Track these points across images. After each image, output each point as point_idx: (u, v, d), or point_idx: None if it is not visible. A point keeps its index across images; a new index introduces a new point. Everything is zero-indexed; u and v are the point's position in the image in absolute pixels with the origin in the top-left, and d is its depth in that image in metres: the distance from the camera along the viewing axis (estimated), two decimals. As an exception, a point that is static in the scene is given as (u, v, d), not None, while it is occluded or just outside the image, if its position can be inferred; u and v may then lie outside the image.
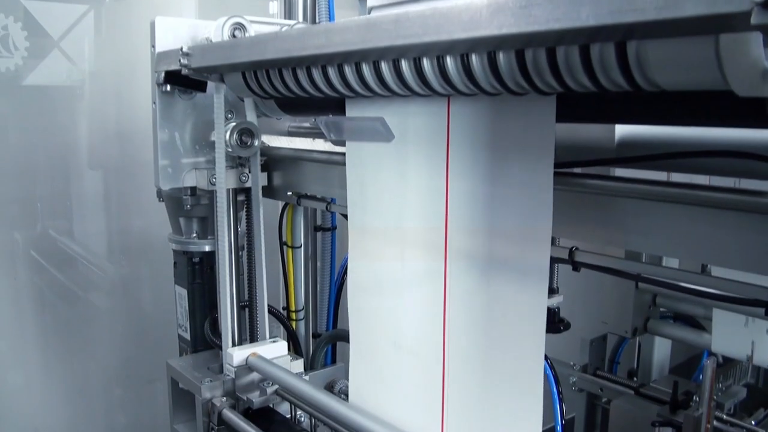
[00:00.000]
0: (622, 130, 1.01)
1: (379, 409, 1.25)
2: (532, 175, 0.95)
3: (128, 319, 2.89)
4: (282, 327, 1.72)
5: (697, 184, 0.88)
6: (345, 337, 1.31)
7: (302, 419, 1.46)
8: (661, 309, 2.40)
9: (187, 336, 1.65)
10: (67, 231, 2.79)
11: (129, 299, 2.89)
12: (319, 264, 1.84)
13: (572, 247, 1.04)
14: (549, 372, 1.16)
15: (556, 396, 1.48)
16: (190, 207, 1.56)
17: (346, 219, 1.30)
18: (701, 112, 0.81)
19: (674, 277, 1.06)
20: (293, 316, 1.82)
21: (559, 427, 1.49)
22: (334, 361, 1.87)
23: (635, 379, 2.50)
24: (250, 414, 1.43)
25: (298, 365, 1.50)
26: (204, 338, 1.62)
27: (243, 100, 1.48)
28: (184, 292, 1.65)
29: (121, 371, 2.96)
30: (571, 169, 1.00)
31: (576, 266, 1.05)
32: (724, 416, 2.14)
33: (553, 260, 1.00)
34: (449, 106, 1.03)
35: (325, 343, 1.70)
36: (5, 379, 2.69)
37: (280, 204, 1.76)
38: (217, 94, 1.40)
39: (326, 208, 1.56)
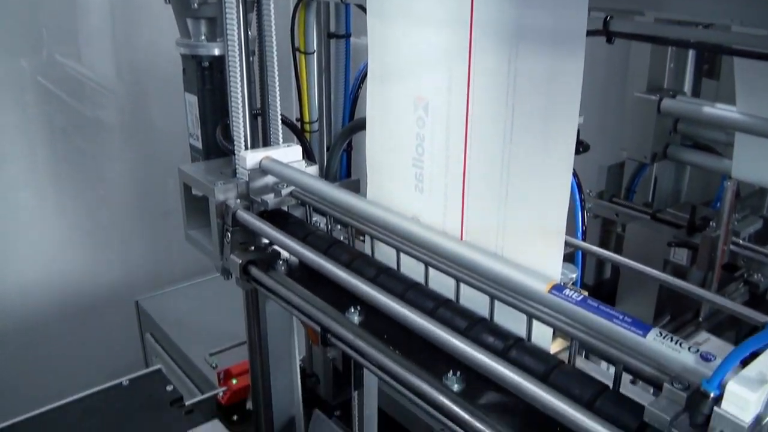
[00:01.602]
0: None
1: (399, 209, 1.22)
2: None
3: (140, 140, 2.87)
4: (296, 138, 1.68)
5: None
6: (362, 126, 1.26)
7: (318, 224, 1.44)
8: (682, 135, 2.36)
9: (199, 145, 1.62)
10: (73, 54, 2.72)
11: (139, 118, 2.85)
12: (333, 74, 1.77)
13: (607, 17, 0.98)
14: (572, 178, 1.11)
15: (578, 202, 1.45)
16: (197, 6, 1.48)
17: (363, 11, 1.23)
18: None
19: (713, 40, 1.00)
20: (307, 127, 1.77)
21: (579, 233, 1.47)
22: (349, 175, 1.84)
23: (652, 204, 2.48)
24: (265, 217, 1.41)
25: (313, 170, 1.46)
26: (216, 146, 1.58)
27: None
28: (194, 99, 1.59)
29: (136, 204, 2.97)
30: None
31: (610, 37, 0.99)
32: (741, 241, 2.13)
33: (588, 33, 0.93)
34: None
35: (341, 140, 1.66)
36: (19, 213, 2.69)
37: (292, 4, 1.68)
38: None
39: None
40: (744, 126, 1.94)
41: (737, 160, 2.00)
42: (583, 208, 1.49)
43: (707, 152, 2.32)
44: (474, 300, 1.11)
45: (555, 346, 1.05)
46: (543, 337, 1.03)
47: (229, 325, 2.24)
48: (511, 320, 1.05)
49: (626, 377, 0.96)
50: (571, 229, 1.38)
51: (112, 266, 2.94)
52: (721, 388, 0.74)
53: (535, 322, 1.01)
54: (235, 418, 1.94)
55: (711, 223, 2.10)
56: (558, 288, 0.93)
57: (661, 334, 0.84)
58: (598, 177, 2.51)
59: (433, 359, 1.08)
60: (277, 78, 1.48)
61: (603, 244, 2.51)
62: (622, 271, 2.38)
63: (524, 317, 1.02)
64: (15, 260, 2.76)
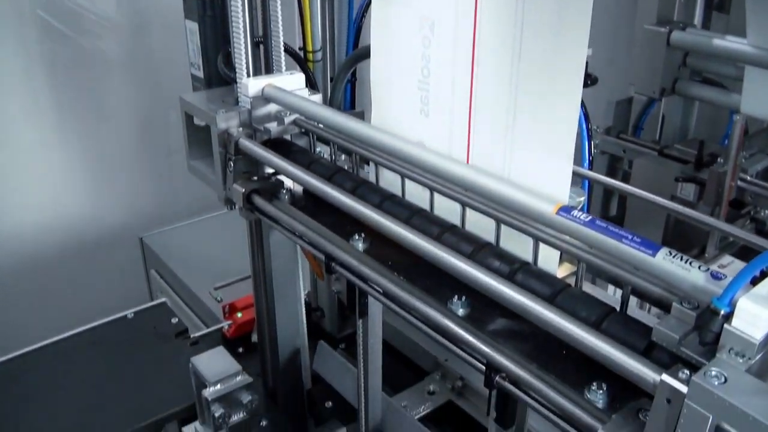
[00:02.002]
0: None
1: (404, 134, 1.20)
2: None
3: (141, 74, 2.83)
4: (298, 68, 1.64)
5: None
6: (367, 54, 1.23)
7: (322, 154, 1.42)
8: (691, 70, 2.32)
9: (200, 74, 1.59)
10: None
11: (140, 50, 2.81)
12: (336, 0, 1.73)
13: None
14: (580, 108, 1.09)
15: (585, 131, 1.43)
16: (196, -72, 1.45)
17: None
18: None
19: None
20: (310, 57, 1.74)
21: (586, 163, 1.45)
22: (353, 107, 1.82)
23: (659, 141, 2.45)
24: (268, 146, 1.39)
25: (317, 99, 1.44)
26: (218, 75, 1.56)
27: None
28: (194, 26, 1.56)
29: (139, 141, 2.94)
30: None
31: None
32: (748, 178, 2.11)
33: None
34: None
35: (345, 69, 1.63)
36: (20, 150, 2.68)
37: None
38: None
39: None
40: (754, 59, 1.90)
41: (746, 94, 1.98)
42: (590, 138, 1.47)
43: (716, 87, 2.29)
44: (480, 226, 1.10)
45: (562, 271, 1.03)
46: (550, 261, 1.02)
47: (233, 261, 2.24)
48: (517, 245, 1.04)
49: (633, 304, 0.95)
50: (577, 161, 1.36)
51: (116, 204, 2.93)
52: (732, 305, 0.73)
53: (541, 247, 1.00)
54: (240, 350, 1.95)
55: (719, 159, 2.08)
56: (565, 209, 0.91)
57: (671, 254, 0.82)
58: (606, 113, 2.49)
59: (438, 285, 1.07)
60: (279, 4, 1.45)
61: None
62: (628, 207, 2.37)
63: (530, 242, 1.01)
64: (18, 198, 2.75)
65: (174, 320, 1.82)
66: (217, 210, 2.64)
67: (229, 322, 1.98)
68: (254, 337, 1.95)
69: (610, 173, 2.51)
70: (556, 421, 0.92)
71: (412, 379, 1.73)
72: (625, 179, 2.44)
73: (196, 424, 1.28)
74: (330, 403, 1.79)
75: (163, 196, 3.02)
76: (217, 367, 1.17)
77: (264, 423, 1.70)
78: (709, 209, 2.05)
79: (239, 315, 1.99)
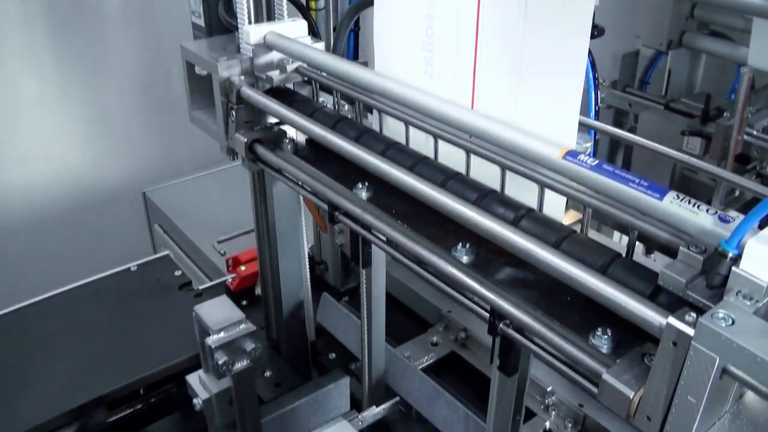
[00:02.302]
0: None
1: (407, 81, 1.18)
2: None
3: (142, 25, 2.80)
4: (300, 16, 1.62)
5: None
6: (370, 2, 1.21)
7: (325, 103, 1.40)
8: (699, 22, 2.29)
9: (201, 22, 1.56)
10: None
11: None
12: (340, -54, 1.71)
13: None
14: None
15: (592, 81, 1.41)
16: None
17: None
18: None
19: None
20: (312, 5, 1.71)
21: (592, 113, 1.44)
22: (356, 57, 1.79)
23: (665, 95, 2.43)
24: (271, 95, 1.37)
25: (320, 47, 1.41)
26: (219, 23, 1.53)
27: None
28: (195, -27, 1.53)
29: (141, 96, 2.92)
30: None
31: None
32: (755, 132, 2.09)
33: None
34: None
35: (348, 18, 1.60)
36: (21, 105, 2.66)
37: None
38: None
39: None
40: (763, 10, 1.87)
41: (754, 46, 1.94)
42: (596, 87, 1.45)
43: (724, 39, 2.26)
44: (484, 175, 1.08)
45: (567, 218, 1.03)
46: (555, 208, 1.01)
47: (236, 215, 2.23)
48: (522, 192, 1.03)
49: (638, 252, 0.94)
50: (583, 112, 1.34)
51: (118, 158, 2.93)
52: (740, 248, 0.72)
53: (547, 193, 0.99)
54: (244, 303, 1.95)
55: (725, 114, 2.06)
56: (572, 154, 0.90)
57: (679, 197, 0.81)
58: (612, 66, 2.46)
59: (442, 233, 1.07)
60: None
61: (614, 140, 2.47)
62: (633, 161, 2.35)
63: (536, 189, 1.00)
64: (20, 154, 2.74)
65: (177, 273, 1.82)
66: (219, 165, 2.63)
67: (233, 275, 1.99)
68: (258, 290, 1.96)
69: (616, 126, 2.48)
70: (560, 367, 0.92)
71: (415, 331, 1.73)
72: (631, 134, 2.42)
73: (200, 372, 1.28)
74: (333, 354, 1.80)
75: (165, 150, 3.01)
76: (220, 315, 1.17)
77: (268, 374, 1.71)
78: (715, 163, 2.04)
79: (243, 268, 1.99)
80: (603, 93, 2.40)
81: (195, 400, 1.27)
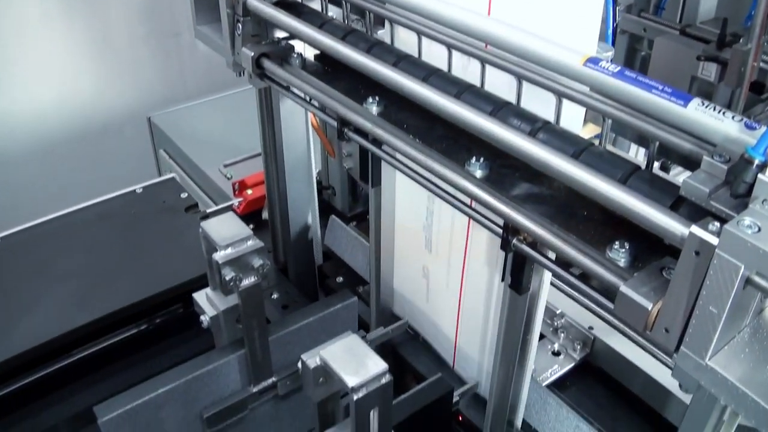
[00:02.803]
0: None
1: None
2: None
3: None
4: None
5: None
6: None
7: (334, 16, 1.36)
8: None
9: (206, -66, 1.51)
10: None
11: None
12: None
13: None
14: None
15: (610, 2, 1.36)
16: None
17: None
18: None
19: None
20: None
21: (610, 38, 1.39)
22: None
23: (680, 20, 2.36)
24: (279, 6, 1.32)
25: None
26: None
27: None
28: None
29: (145, 21, 2.86)
30: None
31: None
32: (771, 59, 2.04)
33: None
34: None
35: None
36: (25, 30, 2.60)
37: None
38: None
39: None
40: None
41: (772, -29, 1.88)
42: (615, 5, 1.40)
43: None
44: (500, 88, 1.05)
45: (585, 132, 1.00)
46: (573, 121, 0.98)
47: (243, 140, 2.21)
48: (539, 105, 1.00)
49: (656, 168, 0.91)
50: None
51: (123, 83, 2.88)
52: (767, 154, 0.69)
53: (565, 105, 0.96)
54: (251, 227, 1.93)
55: (741, 40, 2.00)
56: (593, 60, 0.86)
57: (703, 104, 0.78)
58: (626, -12, 2.39)
59: (455, 148, 1.04)
60: None
61: (628, 62, 2.42)
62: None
63: (553, 102, 0.97)
64: (26, 80, 2.70)
65: (183, 195, 1.80)
66: (225, 90, 2.59)
67: (240, 199, 1.97)
68: (264, 214, 1.94)
69: (630, 53, 2.43)
70: (576, 283, 0.90)
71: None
72: (645, 61, 2.37)
73: (207, 290, 1.27)
74: (341, 278, 1.79)
75: (170, 75, 2.96)
76: (227, 231, 1.15)
77: (275, 296, 1.70)
78: (730, 89, 1.99)
79: (249, 192, 1.97)
80: (617, 17, 2.34)
81: (202, 317, 1.26)
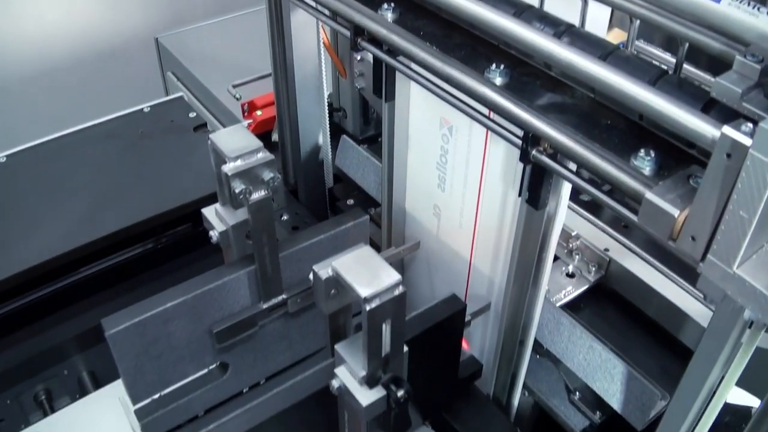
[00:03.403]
0: None
1: None
2: None
3: None
4: None
5: None
6: None
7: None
8: None
9: None
10: None
11: None
12: None
13: None
14: None
15: None
16: None
17: None
18: None
19: None
20: None
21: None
22: None
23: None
24: None
25: None
26: None
27: None
28: None
29: None
30: None
31: None
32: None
33: None
34: None
35: None
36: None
37: None
38: None
39: None
40: None
41: None
42: None
43: None
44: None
45: (610, 38, 0.95)
46: (598, 25, 0.94)
47: (252, 62, 2.16)
48: (563, 8, 0.95)
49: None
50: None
51: (131, 4, 2.82)
52: (806, 52, 0.66)
53: (591, 7, 0.92)
54: (260, 148, 1.90)
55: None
56: (623, -44, 0.82)
57: (738, -1, 0.74)
58: None
59: (474, 56, 1.00)
60: None
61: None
62: None
63: (578, 5, 0.93)
64: (33, 3, 2.65)
65: (192, 114, 1.76)
66: (234, 11, 2.53)
67: (249, 120, 1.93)
68: (274, 136, 1.91)
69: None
70: (597, 194, 0.88)
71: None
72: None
73: (216, 205, 1.24)
74: (351, 201, 1.76)
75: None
76: (237, 142, 1.12)
77: (285, 217, 1.68)
78: None
79: (259, 113, 1.94)
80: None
81: (211, 233, 1.24)
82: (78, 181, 1.56)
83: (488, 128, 1.01)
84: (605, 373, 1.23)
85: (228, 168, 1.10)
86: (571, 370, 1.31)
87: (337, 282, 0.94)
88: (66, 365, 1.59)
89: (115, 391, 1.31)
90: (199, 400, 1.31)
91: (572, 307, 1.37)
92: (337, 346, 1.00)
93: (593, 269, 1.41)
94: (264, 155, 1.12)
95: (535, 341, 1.30)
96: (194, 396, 1.31)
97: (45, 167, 1.60)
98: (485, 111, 0.99)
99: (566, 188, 1.05)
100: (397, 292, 0.90)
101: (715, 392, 0.86)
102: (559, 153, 0.91)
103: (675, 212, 0.74)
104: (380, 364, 0.97)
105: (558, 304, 1.33)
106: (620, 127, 0.88)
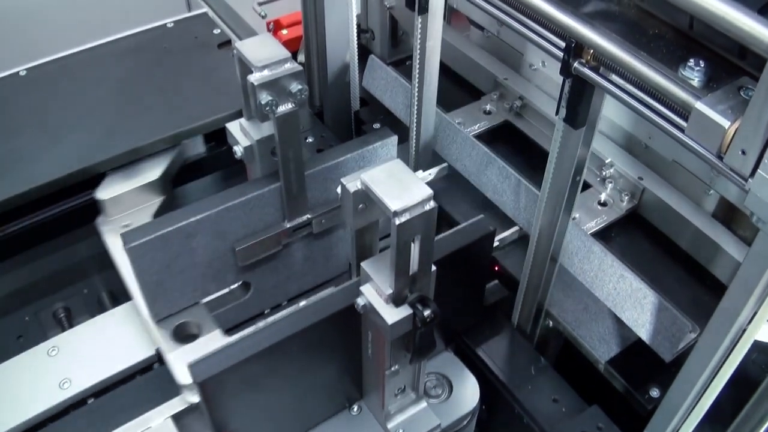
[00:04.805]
0: None
1: None
2: None
3: None
4: None
5: None
6: None
7: None
8: None
9: None
10: None
11: None
12: None
13: None
14: None
15: None
16: None
17: None
18: None
19: None
20: None
21: None
22: None
23: None
24: None
25: None
26: None
27: None
28: None
29: None
30: None
31: None
32: None
33: None
34: None
35: None
36: None
37: None
38: None
39: None
40: None
41: None
42: None
43: None
44: None
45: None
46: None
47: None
48: None
49: None
50: None
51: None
52: None
53: None
54: (285, 69, 1.86)
55: None
56: None
57: None
58: None
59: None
60: None
61: None
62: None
63: None
64: None
65: (216, 31, 1.72)
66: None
67: (275, 40, 1.88)
68: (300, 57, 1.86)
69: None
70: (641, 110, 0.83)
71: (467, 100, 1.63)
72: None
73: (241, 120, 1.21)
74: (378, 124, 1.72)
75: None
76: (263, 52, 1.07)
77: (310, 140, 1.65)
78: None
79: (284, 32, 1.89)
80: None
81: (235, 148, 1.21)
82: (99, 95, 1.52)
83: (529, 40, 0.96)
84: (635, 302, 1.20)
85: (254, 78, 1.06)
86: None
87: (366, 195, 0.91)
88: (86, 284, 1.58)
89: (135, 308, 1.30)
90: (221, 319, 1.30)
91: (603, 236, 1.34)
92: (364, 264, 0.97)
93: (626, 198, 1.37)
94: (292, 65, 1.08)
95: (564, 270, 1.28)
96: (215, 315, 1.30)
97: (65, 81, 1.56)
98: (526, 21, 0.95)
99: (605, 107, 1.01)
100: (428, 207, 0.87)
101: (745, 329, 0.83)
102: (602, 65, 0.86)
103: (726, 123, 0.70)
104: (407, 282, 0.94)
105: (589, 233, 1.29)
106: (668, 37, 0.83)
